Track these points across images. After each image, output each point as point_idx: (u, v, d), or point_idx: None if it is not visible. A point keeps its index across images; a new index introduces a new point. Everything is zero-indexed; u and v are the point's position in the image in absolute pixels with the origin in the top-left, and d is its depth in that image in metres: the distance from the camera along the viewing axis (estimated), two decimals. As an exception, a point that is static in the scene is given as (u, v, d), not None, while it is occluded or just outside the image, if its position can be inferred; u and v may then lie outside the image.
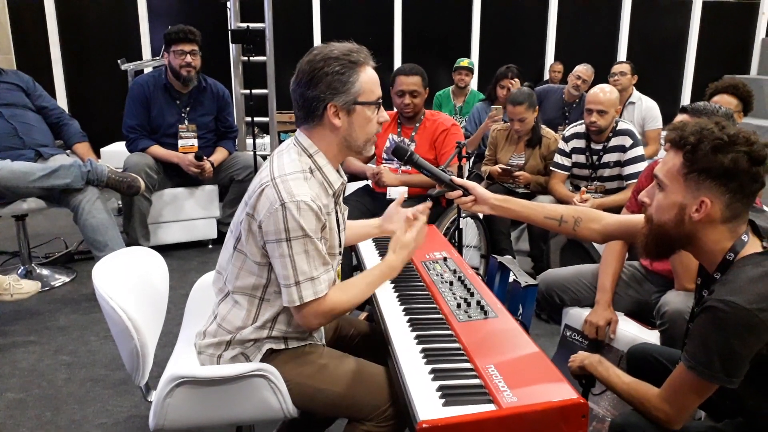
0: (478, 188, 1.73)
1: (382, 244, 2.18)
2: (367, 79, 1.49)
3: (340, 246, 1.62)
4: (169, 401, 1.48)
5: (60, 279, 3.53)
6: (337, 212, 1.59)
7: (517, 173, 3.54)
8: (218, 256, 1.64)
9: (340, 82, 1.45)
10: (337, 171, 1.57)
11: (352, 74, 1.46)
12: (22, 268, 3.51)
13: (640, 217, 1.50)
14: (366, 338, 1.81)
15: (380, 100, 1.53)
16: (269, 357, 1.54)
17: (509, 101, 3.56)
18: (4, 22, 6.39)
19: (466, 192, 1.73)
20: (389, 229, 1.86)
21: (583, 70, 4.77)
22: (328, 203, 1.50)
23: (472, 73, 5.32)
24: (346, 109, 1.48)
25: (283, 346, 1.56)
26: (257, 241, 1.47)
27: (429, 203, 1.83)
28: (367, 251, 2.17)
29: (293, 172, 1.45)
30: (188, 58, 3.71)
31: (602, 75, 4.85)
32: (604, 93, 3.18)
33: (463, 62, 5.22)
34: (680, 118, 2.18)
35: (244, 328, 1.54)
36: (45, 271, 3.58)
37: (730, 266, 1.32)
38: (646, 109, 4.55)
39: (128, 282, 1.65)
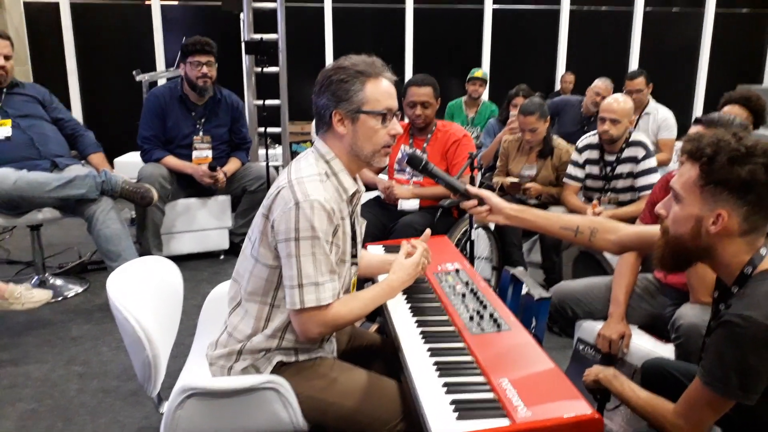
0: (494, 198, 1.72)
1: (394, 254, 2.17)
2: (374, 89, 1.50)
3: (354, 256, 1.62)
4: (180, 413, 1.48)
5: (73, 289, 3.55)
6: (353, 220, 1.59)
7: (528, 185, 3.53)
8: (230, 267, 1.65)
9: (344, 90, 1.49)
10: (354, 179, 1.58)
11: (356, 83, 1.49)
12: (36, 277, 3.54)
13: (657, 229, 1.49)
14: (378, 351, 1.81)
15: (389, 112, 1.53)
16: (279, 370, 1.54)
17: (520, 111, 3.56)
18: (21, 34, 6.50)
19: (481, 201, 1.72)
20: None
21: (602, 85, 4.73)
22: (342, 208, 1.51)
23: (486, 84, 5.33)
24: (350, 117, 1.50)
25: (293, 359, 1.55)
26: (270, 241, 1.48)
27: (428, 234, 1.84)
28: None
29: (310, 175, 1.47)
30: (204, 69, 3.74)
31: (617, 85, 4.83)
32: (617, 103, 3.17)
33: (477, 73, 5.23)
34: (695, 129, 2.17)
35: (254, 336, 1.53)
36: (58, 281, 3.60)
37: (748, 280, 1.30)
38: (661, 118, 4.53)
39: (143, 292, 1.65)
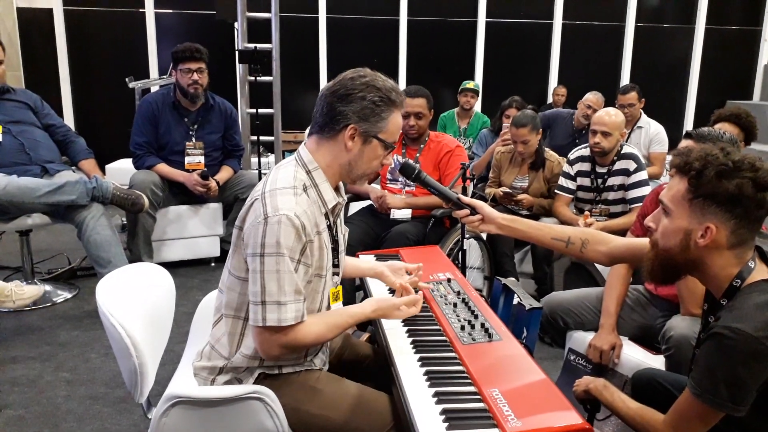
0: (486, 207, 1.73)
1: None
2: (395, 121, 1.52)
3: (336, 267, 1.60)
4: (165, 420, 1.47)
5: (62, 295, 3.53)
6: (334, 232, 1.57)
7: (520, 196, 3.54)
8: (220, 275, 1.64)
9: (373, 112, 1.47)
10: (337, 189, 1.56)
11: (385, 111, 1.49)
12: (25, 283, 3.50)
13: (647, 241, 1.50)
14: (369, 361, 1.79)
15: (394, 146, 1.55)
16: (263, 381, 1.52)
17: (512, 124, 3.58)
18: (14, 40, 6.48)
19: (474, 211, 1.73)
20: (388, 278, 1.82)
21: (594, 99, 4.76)
22: (319, 222, 1.48)
23: (478, 95, 5.36)
24: (363, 137, 1.49)
25: (276, 372, 1.53)
26: (242, 253, 1.45)
27: (421, 292, 1.73)
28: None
29: (284, 186, 1.43)
30: (195, 76, 3.74)
31: (608, 99, 4.87)
32: (609, 116, 3.21)
33: (469, 84, 5.27)
34: (685, 143, 2.19)
35: (233, 354, 1.51)
36: (47, 287, 3.57)
37: (737, 293, 1.32)
38: (653, 132, 4.57)
39: (132, 298, 1.64)
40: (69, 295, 3.54)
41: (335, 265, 1.60)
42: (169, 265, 3.73)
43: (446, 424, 1.22)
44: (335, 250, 1.58)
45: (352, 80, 1.48)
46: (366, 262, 1.92)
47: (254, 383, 1.51)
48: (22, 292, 2.71)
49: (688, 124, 8.17)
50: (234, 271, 1.49)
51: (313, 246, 1.45)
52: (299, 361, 1.56)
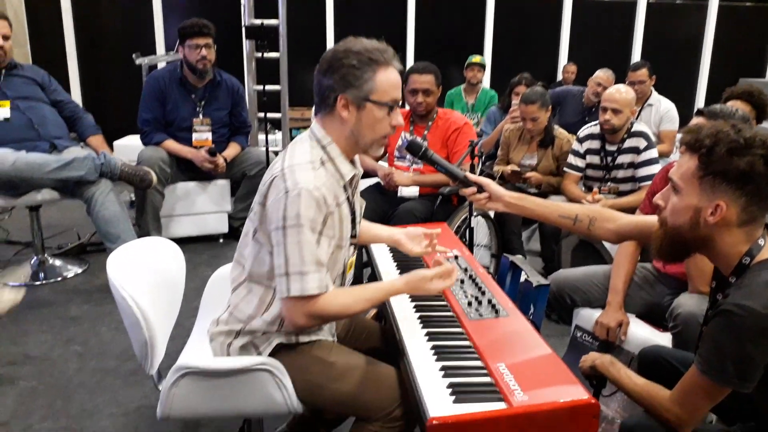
0: (493, 185, 1.72)
1: (397, 251, 2.17)
2: (384, 79, 1.48)
3: (354, 237, 1.61)
4: (175, 391, 1.50)
5: (72, 270, 3.56)
6: (351, 204, 1.58)
7: (528, 174, 3.53)
8: (229, 251, 1.65)
9: (354, 77, 1.45)
10: (352, 162, 1.57)
11: (367, 71, 1.46)
12: (35, 258, 3.54)
13: (655, 219, 1.49)
14: (376, 338, 1.81)
15: (395, 103, 1.52)
16: (279, 352, 1.54)
17: (522, 100, 3.55)
18: (20, 15, 6.45)
19: (481, 189, 1.73)
20: (405, 246, 1.82)
21: (604, 76, 4.70)
22: (338, 194, 1.50)
23: (484, 70, 5.31)
24: (356, 104, 1.48)
25: (294, 340, 1.56)
26: (266, 229, 1.47)
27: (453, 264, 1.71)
28: (379, 250, 2.17)
29: (302, 162, 1.45)
30: (203, 52, 3.72)
31: (619, 76, 4.81)
32: (619, 93, 3.18)
33: (475, 59, 5.21)
34: (696, 121, 2.17)
35: (254, 318, 1.54)
36: (58, 262, 3.61)
37: (746, 270, 1.31)
38: (664, 110, 4.52)
39: (142, 272, 1.66)
40: (79, 270, 3.57)
41: (353, 236, 1.61)
42: (178, 241, 3.76)
43: (453, 397, 1.23)
44: (353, 222, 1.59)
45: (334, 51, 1.48)
46: (384, 229, 1.91)
47: (270, 354, 1.53)
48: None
49: (700, 102, 8.08)
50: (266, 246, 1.49)
51: (334, 218, 1.47)
52: (315, 329, 1.58)
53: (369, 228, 1.89)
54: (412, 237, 1.84)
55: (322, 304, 1.43)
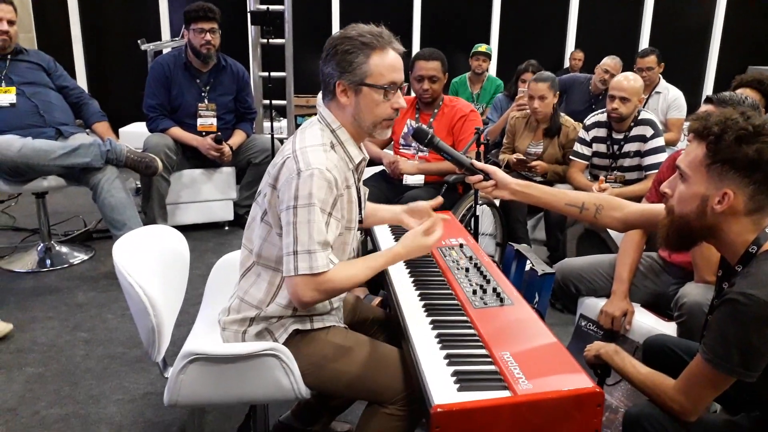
0: (499, 173, 1.72)
1: (398, 228, 2.18)
2: (379, 62, 1.49)
3: (360, 222, 1.63)
4: (182, 377, 1.50)
5: (78, 257, 3.58)
6: (358, 188, 1.60)
7: (534, 163, 3.51)
8: (235, 238, 1.66)
9: (347, 62, 1.48)
10: (359, 147, 1.59)
11: (359, 55, 1.48)
12: (41, 245, 3.56)
13: (662, 207, 1.48)
14: (382, 325, 1.82)
15: (393, 85, 1.51)
16: (293, 339, 1.55)
17: (533, 79, 3.56)
18: (26, 1, 6.43)
19: (487, 177, 1.72)
20: (406, 221, 1.83)
21: (611, 63, 4.67)
22: (348, 177, 1.53)
23: (490, 59, 5.26)
24: (353, 89, 1.50)
25: (308, 326, 1.56)
26: (277, 210, 1.48)
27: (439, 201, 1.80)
28: (382, 233, 2.17)
29: (313, 144, 1.48)
30: (208, 36, 3.71)
31: (627, 64, 4.77)
32: (627, 81, 3.15)
33: (481, 47, 5.15)
34: (705, 108, 2.15)
35: (266, 303, 1.54)
36: (64, 249, 3.63)
37: (753, 259, 1.30)
38: (672, 98, 4.50)
39: (148, 259, 1.66)
40: (85, 257, 3.59)
41: (360, 221, 1.63)
42: (183, 229, 3.78)
43: (457, 385, 1.23)
44: (359, 206, 1.61)
45: (330, 41, 1.52)
46: (387, 209, 1.92)
47: (286, 340, 1.54)
48: None
49: (708, 89, 8.01)
50: (275, 228, 1.51)
51: (344, 200, 1.50)
52: (326, 311, 1.59)
53: (375, 211, 1.90)
54: (414, 212, 1.85)
55: (329, 277, 1.45)
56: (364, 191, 1.71)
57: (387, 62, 1.50)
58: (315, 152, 1.45)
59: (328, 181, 1.42)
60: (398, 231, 2.16)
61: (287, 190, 1.43)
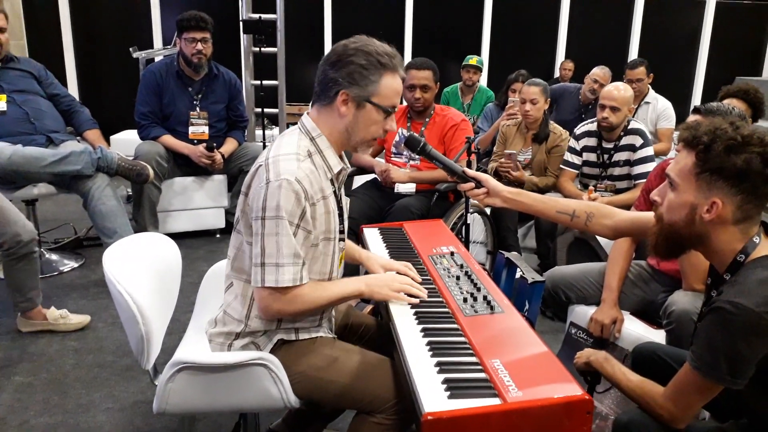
0: (491, 180, 1.73)
1: (390, 236, 2.18)
2: (389, 84, 1.50)
3: (341, 232, 1.62)
4: (171, 386, 1.50)
5: (69, 264, 3.56)
6: (338, 198, 1.59)
7: (515, 174, 3.48)
8: (226, 246, 1.66)
9: (361, 76, 1.47)
10: (340, 157, 1.57)
11: (374, 73, 1.48)
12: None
13: (652, 215, 1.49)
14: (373, 333, 1.82)
15: (393, 109, 1.54)
16: (280, 348, 1.55)
17: (525, 83, 3.62)
18: (16, 8, 6.42)
19: (479, 184, 1.73)
20: (374, 269, 1.79)
21: (601, 73, 4.71)
22: (325, 186, 1.51)
23: (480, 72, 5.28)
24: (356, 102, 1.49)
25: (294, 337, 1.56)
26: (248, 218, 1.48)
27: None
28: (372, 238, 2.17)
29: (287, 153, 1.47)
30: (199, 46, 3.72)
31: (616, 74, 4.82)
32: (618, 90, 3.18)
33: (472, 60, 5.14)
34: (693, 118, 2.18)
35: (246, 317, 1.54)
36: (54, 257, 3.60)
37: (740, 268, 1.32)
38: (661, 108, 4.54)
39: (139, 267, 1.66)
40: (75, 265, 3.57)
41: (341, 231, 1.62)
42: (175, 236, 3.76)
43: (448, 393, 1.23)
44: (340, 216, 1.60)
45: (345, 46, 1.50)
46: (363, 252, 1.89)
47: (271, 351, 1.54)
48: (69, 320, 2.81)
49: (696, 99, 8.10)
50: (245, 237, 1.51)
51: (317, 211, 1.48)
52: (314, 324, 1.59)
53: (355, 251, 1.86)
54: (387, 265, 1.80)
55: (294, 296, 1.45)
56: (347, 202, 1.70)
57: (395, 86, 1.52)
58: (287, 161, 1.44)
59: (296, 193, 1.41)
60: (391, 243, 2.14)
61: (257, 199, 1.43)
